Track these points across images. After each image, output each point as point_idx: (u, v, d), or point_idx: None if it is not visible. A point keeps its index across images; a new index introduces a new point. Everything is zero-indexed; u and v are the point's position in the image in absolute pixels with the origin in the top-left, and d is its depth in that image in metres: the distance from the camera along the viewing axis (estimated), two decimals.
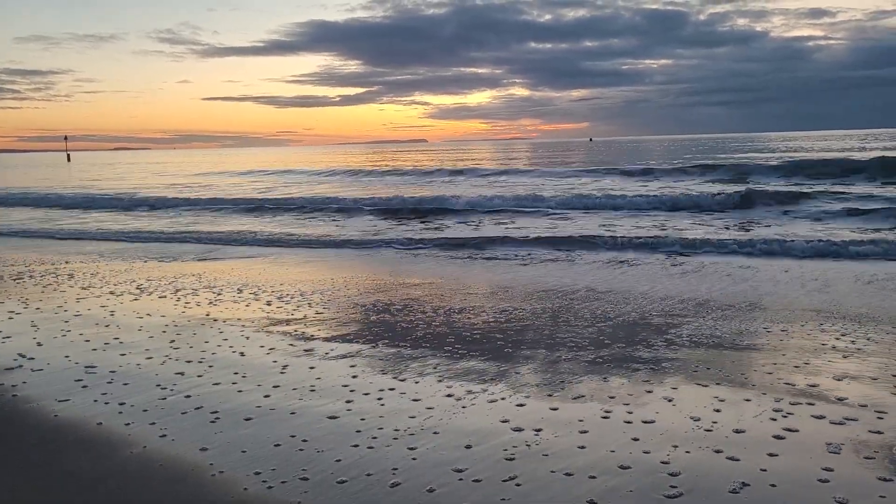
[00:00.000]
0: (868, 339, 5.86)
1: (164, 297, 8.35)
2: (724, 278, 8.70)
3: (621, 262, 10.17)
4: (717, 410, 4.38)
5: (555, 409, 4.47)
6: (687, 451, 3.80)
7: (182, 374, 5.40)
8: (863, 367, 5.15)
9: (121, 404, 4.78)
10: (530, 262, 10.45)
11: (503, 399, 4.68)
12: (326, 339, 6.30)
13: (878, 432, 3.99)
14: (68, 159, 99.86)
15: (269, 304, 7.82)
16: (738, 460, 3.68)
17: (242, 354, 5.88)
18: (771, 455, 3.74)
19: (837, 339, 5.87)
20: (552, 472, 3.60)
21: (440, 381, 5.09)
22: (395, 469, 3.68)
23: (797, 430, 4.05)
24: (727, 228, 13.52)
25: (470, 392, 4.83)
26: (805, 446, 3.84)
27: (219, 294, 8.43)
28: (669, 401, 4.57)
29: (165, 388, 5.08)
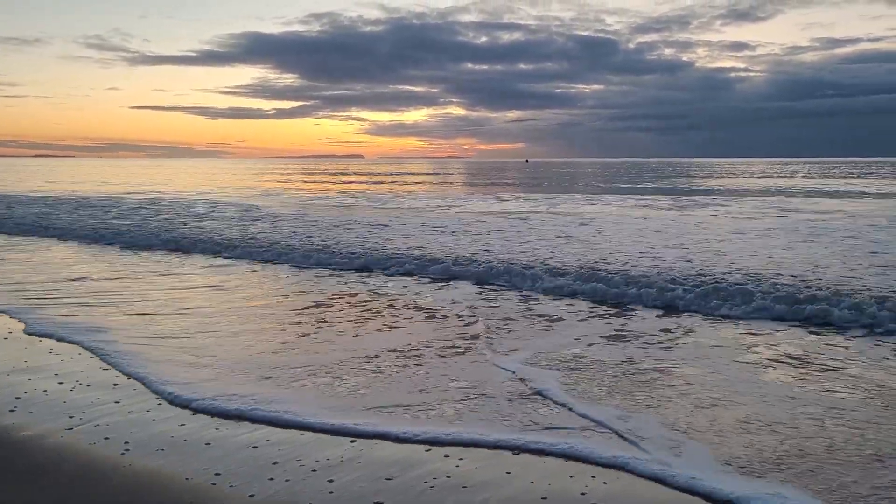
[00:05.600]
0: None
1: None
2: None
3: None
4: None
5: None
6: (604, 482, 3.83)
7: (95, 400, 5.13)
8: None
9: (23, 435, 4.49)
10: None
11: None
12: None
13: None
14: None
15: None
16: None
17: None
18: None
19: None
20: None
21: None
22: None
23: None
24: None
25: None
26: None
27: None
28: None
29: (74, 417, 4.82)
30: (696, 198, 29.61)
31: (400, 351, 6.46)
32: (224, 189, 39.33)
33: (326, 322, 7.68)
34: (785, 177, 56.44)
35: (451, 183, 50.10)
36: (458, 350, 6.50)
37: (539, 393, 5.24)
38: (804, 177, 55.82)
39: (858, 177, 53.92)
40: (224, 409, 4.90)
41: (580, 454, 4.12)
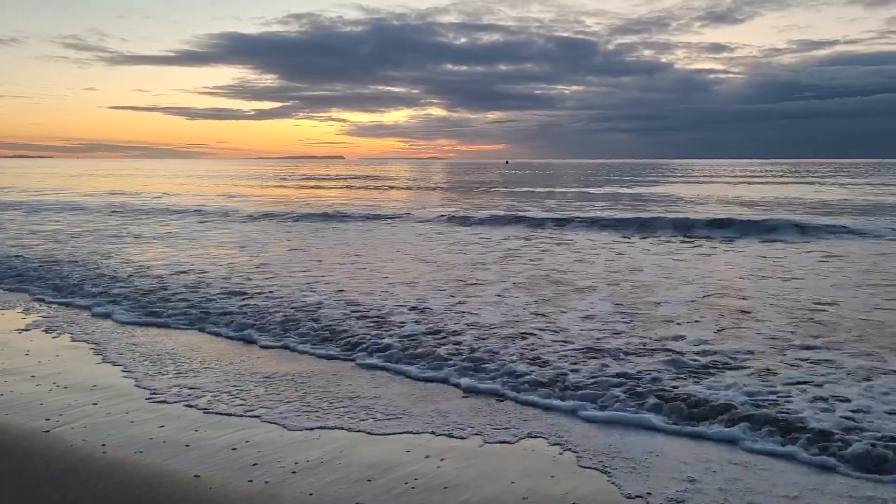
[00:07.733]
0: None
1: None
2: None
3: None
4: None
5: (462, 438, 4.44)
6: (586, 482, 3.86)
7: (72, 402, 5.07)
8: None
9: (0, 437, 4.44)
10: None
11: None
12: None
13: None
14: None
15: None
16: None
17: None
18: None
19: None
20: None
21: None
22: None
23: None
24: None
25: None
26: None
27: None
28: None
29: (51, 419, 4.76)
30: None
31: None
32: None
33: None
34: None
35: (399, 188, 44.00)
36: None
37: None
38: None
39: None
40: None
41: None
